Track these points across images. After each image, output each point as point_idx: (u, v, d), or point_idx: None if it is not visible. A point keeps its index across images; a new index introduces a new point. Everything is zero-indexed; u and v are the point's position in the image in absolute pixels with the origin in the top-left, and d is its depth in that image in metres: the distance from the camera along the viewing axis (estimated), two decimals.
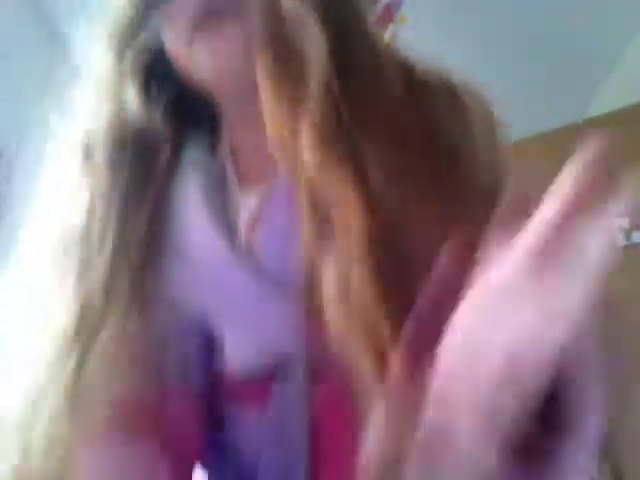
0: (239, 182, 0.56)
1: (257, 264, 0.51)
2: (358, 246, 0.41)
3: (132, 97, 0.54)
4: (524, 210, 0.36)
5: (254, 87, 0.46)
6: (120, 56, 0.54)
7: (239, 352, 0.53)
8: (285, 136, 0.44)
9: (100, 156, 0.54)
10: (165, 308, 0.52)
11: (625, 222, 2.14)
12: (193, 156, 0.58)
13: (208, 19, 0.47)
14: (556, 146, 2.42)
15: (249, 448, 0.53)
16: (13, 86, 2.09)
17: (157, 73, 0.55)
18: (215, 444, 0.56)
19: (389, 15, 1.96)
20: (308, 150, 0.42)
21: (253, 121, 0.49)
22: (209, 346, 0.55)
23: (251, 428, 0.53)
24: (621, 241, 2.11)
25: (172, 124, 0.56)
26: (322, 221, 0.44)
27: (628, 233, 2.12)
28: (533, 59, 2.61)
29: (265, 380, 0.51)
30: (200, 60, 0.49)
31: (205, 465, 0.58)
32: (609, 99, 2.67)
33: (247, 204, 0.54)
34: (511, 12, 2.34)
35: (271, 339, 0.52)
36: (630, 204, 0.31)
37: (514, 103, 3.13)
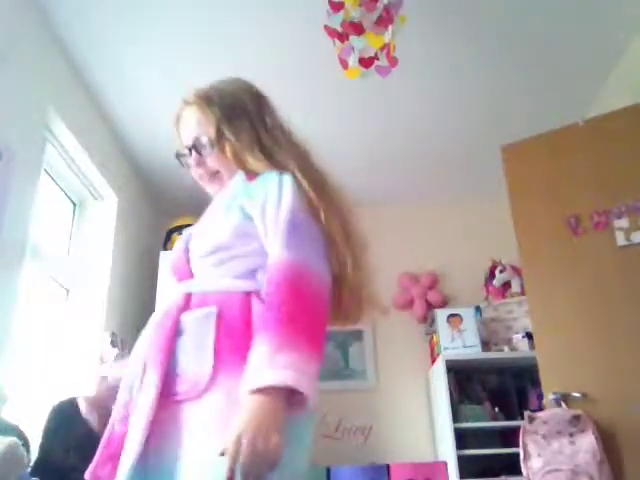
0: None
1: None
2: None
3: None
4: None
5: None
6: None
7: None
8: None
9: None
10: None
11: (625, 222, 2.13)
12: None
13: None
14: (556, 146, 2.43)
15: None
16: (13, 86, 2.09)
17: None
18: None
19: (389, 15, 1.96)
20: None
21: None
22: None
23: None
24: (621, 241, 2.11)
25: None
26: None
27: (628, 233, 2.12)
28: (534, 60, 2.62)
29: None
30: None
31: None
32: (609, 99, 2.67)
33: None
34: (512, 13, 2.35)
35: None
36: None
37: (515, 103, 3.14)
